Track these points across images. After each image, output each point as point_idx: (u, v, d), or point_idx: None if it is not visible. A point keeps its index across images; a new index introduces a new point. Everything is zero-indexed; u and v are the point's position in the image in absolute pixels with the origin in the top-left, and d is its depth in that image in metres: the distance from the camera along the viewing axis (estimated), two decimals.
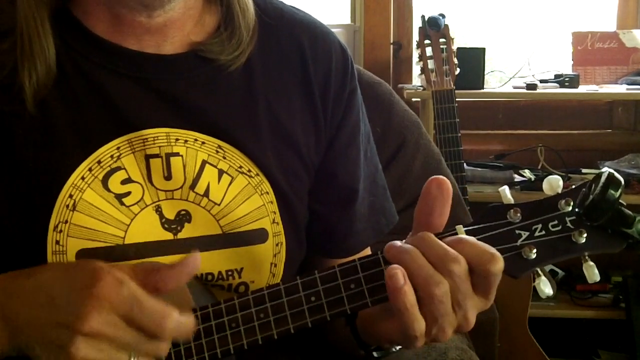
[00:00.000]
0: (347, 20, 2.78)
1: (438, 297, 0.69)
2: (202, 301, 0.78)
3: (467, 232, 0.73)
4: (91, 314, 0.65)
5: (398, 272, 0.69)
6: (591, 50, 2.58)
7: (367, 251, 0.97)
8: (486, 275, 0.69)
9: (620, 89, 2.46)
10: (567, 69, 2.60)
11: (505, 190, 0.75)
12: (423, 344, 0.73)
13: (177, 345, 0.75)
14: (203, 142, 0.83)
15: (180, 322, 0.68)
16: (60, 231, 0.79)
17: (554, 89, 2.47)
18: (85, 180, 0.80)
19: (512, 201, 0.74)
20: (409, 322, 0.70)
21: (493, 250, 0.70)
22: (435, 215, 0.73)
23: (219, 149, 0.84)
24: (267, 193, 0.86)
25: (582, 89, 2.48)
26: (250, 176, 0.85)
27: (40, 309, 0.68)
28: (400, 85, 2.59)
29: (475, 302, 0.71)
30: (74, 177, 0.80)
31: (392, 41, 2.72)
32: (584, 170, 2.46)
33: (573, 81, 2.46)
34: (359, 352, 0.84)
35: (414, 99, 2.52)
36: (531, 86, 2.42)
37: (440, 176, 0.73)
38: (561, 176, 2.55)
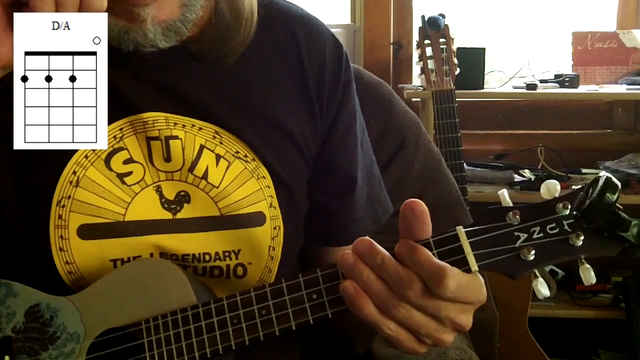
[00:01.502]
0: (347, 20, 2.78)
1: (400, 319, 0.70)
2: (203, 298, 0.79)
3: (467, 234, 0.73)
4: None
5: (347, 284, 0.71)
6: (591, 50, 2.58)
7: None
8: (442, 297, 0.69)
9: (620, 89, 2.47)
10: (567, 69, 2.60)
11: (504, 193, 0.76)
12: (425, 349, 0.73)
13: (178, 340, 0.76)
14: (200, 128, 0.85)
15: None
16: (63, 206, 0.81)
17: (554, 89, 2.47)
18: (89, 158, 0.82)
19: (510, 204, 0.75)
20: (377, 327, 0.71)
21: (442, 270, 0.69)
22: (416, 234, 0.73)
23: (215, 135, 0.86)
24: (264, 177, 0.88)
25: (582, 89, 2.48)
26: (246, 161, 0.87)
27: None
28: (400, 85, 2.60)
29: (458, 307, 0.71)
30: (78, 155, 0.82)
31: (392, 41, 2.72)
32: (584, 170, 2.46)
33: (573, 81, 2.46)
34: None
35: (414, 99, 2.53)
36: (531, 86, 2.43)
37: (412, 200, 0.72)
38: (561, 176, 2.55)
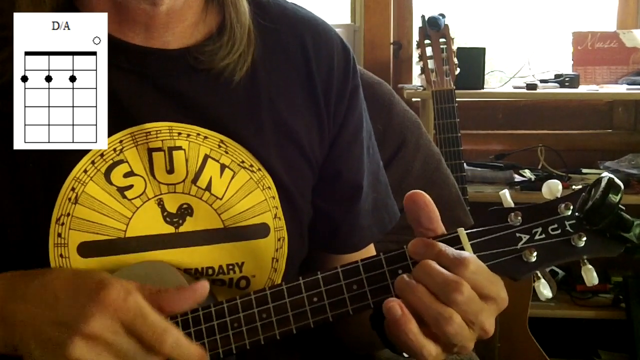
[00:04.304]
0: (347, 20, 2.78)
1: (452, 333, 0.69)
2: (203, 301, 0.79)
3: (469, 235, 0.73)
4: (94, 316, 0.67)
5: (394, 304, 0.70)
6: (591, 50, 2.58)
7: (371, 249, 0.97)
8: (465, 275, 0.70)
9: (621, 89, 2.47)
10: (567, 69, 2.60)
11: (506, 194, 0.75)
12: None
13: None
14: (205, 137, 0.84)
15: (179, 340, 0.69)
16: (62, 224, 0.80)
17: (554, 89, 2.47)
18: (88, 173, 0.80)
19: (512, 205, 0.74)
20: (416, 349, 0.70)
21: (460, 253, 0.70)
22: (424, 225, 0.74)
23: (221, 144, 0.84)
24: (269, 188, 0.86)
25: (582, 89, 2.48)
26: (252, 171, 0.85)
27: (42, 307, 0.69)
28: (400, 85, 2.59)
29: (490, 311, 0.71)
30: (77, 170, 0.80)
31: (392, 41, 2.72)
32: (584, 170, 2.46)
33: (573, 81, 2.46)
34: (382, 350, 0.84)
35: (414, 99, 2.53)
36: (531, 86, 2.43)
37: (412, 192, 0.73)
38: (561, 176, 2.54)
